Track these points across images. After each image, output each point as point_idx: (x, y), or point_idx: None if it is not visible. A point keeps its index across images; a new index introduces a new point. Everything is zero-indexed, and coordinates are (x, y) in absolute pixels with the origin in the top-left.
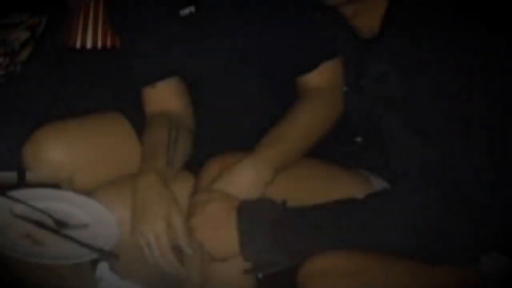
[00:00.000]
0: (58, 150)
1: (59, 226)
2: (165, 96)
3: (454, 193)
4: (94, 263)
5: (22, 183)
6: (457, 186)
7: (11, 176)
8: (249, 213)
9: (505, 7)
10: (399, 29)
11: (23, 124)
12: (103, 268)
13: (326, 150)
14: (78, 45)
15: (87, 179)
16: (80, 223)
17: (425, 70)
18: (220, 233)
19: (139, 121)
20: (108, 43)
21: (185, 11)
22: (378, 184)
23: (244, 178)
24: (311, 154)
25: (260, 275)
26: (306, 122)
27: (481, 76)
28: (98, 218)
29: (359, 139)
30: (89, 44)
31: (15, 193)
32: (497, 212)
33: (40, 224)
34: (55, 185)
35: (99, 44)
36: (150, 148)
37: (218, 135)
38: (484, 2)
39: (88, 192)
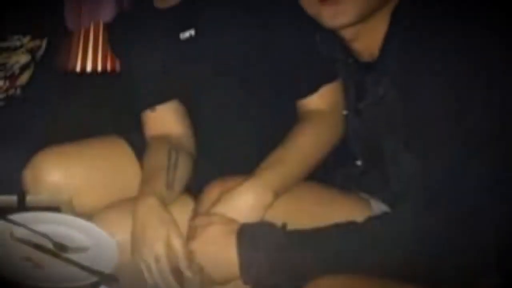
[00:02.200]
0: (58, 173)
1: (59, 249)
2: (165, 119)
3: (456, 214)
4: (94, 286)
5: (22, 206)
6: (459, 207)
7: (11, 199)
8: (249, 236)
9: (505, 26)
10: (399, 52)
11: (23, 147)
12: None
13: (326, 173)
14: (78, 68)
15: (87, 203)
16: (80, 246)
17: (425, 91)
18: (220, 257)
19: (139, 144)
20: (108, 67)
21: (185, 35)
22: (378, 207)
23: (244, 201)
24: (311, 177)
25: None
26: (306, 146)
27: (481, 96)
28: (98, 241)
29: (359, 162)
30: (89, 68)
31: (16, 217)
32: (498, 233)
33: (41, 248)
34: (55, 209)
35: (99, 68)
36: (150, 171)
37: (218, 158)
38: (484, 22)
39: (88, 215)
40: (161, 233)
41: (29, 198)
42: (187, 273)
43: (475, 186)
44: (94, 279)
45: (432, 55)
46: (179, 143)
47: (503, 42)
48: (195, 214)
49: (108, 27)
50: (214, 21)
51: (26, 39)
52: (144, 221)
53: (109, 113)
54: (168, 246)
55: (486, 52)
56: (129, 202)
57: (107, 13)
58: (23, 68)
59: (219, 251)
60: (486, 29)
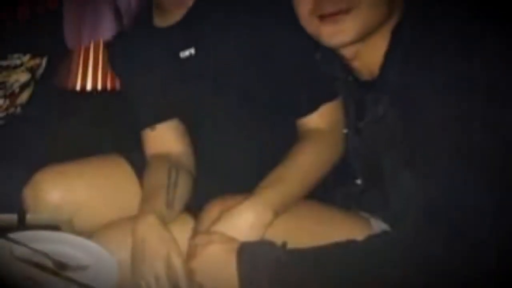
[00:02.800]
0: (58, 192)
1: (59, 268)
2: (165, 138)
3: (456, 232)
4: None
5: (22, 225)
6: (459, 225)
7: (11, 218)
8: (249, 255)
9: (506, 45)
10: (399, 70)
11: (24, 166)
12: None
13: (326, 192)
14: (78, 87)
15: (87, 221)
16: (80, 265)
17: (425, 110)
18: (220, 275)
19: (139, 163)
20: (108, 85)
21: (185, 53)
22: (378, 226)
23: (244, 220)
24: (311, 196)
25: None
26: (306, 164)
27: (482, 114)
28: (98, 259)
29: (359, 181)
30: (89, 86)
31: (16, 235)
32: (498, 250)
33: (41, 266)
34: (56, 227)
35: (99, 86)
36: (150, 189)
37: (218, 176)
38: (484, 42)
39: (88, 234)
40: (161, 252)
41: (29, 217)
42: None
43: (476, 205)
44: None
45: (432, 74)
46: (179, 161)
47: (504, 61)
48: (195, 232)
49: (108, 46)
50: (214, 39)
51: (26, 58)
52: (144, 239)
53: (109, 131)
54: (168, 265)
55: (487, 71)
56: (129, 221)
57: (107, 32)
58: (23, 87)
59: (219, 269)
60: (487, 48)
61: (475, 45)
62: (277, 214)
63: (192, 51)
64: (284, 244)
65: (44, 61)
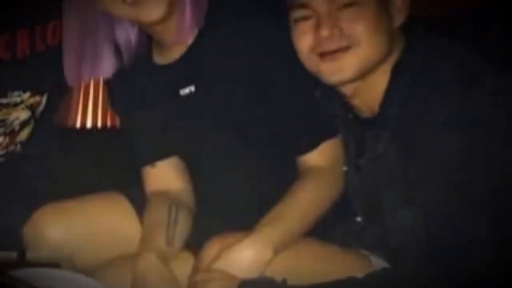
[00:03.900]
0: (58, 230)
1: None
2: (165, 176)
3: (456, 269)
4: None
5: (22, 262)
6: (458, 261)
7: (11, 255)
8: None
9: (506, 82)
10: (399, 108)
11: (24, 203)
12: None
13: (326, 230)
14: (78, 124)
15: (87, 259)
16: None
17: (425, 147)
18: None
19: (139, 200)
20: (108, 123)
21: (185, 91)
22: (378, 263)
23: (244, 257)
24: (311, 233)
25: None
26: (306, 202)
27: (481, 152)
28: None
29: (359, 219)
30: (89, 124)
31: (16, 273)
32: (498, 286)
33: None
34: (56, 265)
35: (99, 124)
36: (150, 227)
37: (218, 213)
38: (484, 80)
39: (89, 272)
40: None
41: (29, 254)
42: None
43: (475, 242)
44: None
45: (432, 112)
46: (179, 199)
47: (503, 99)
48: (195, 270)
49: (108, 83)
50: (214, 77)
51: (26, 95)
52: (145, 277)
53: (109, 169)
54: None
55: (486, 109)
56: (130, 259)
57: (107, 70)
58: (23, 125)
59: None
60: (486, 86)
61: (475, 83)
62: (277, 251)
63: (192, 88)
64: (284, 282)
65: (44, 99)
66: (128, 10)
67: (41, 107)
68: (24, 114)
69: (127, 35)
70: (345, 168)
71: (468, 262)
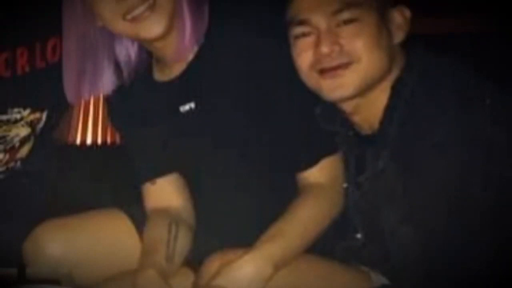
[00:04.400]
0: (58, 246)
1: None
2: (165, 192)
3: (455, 286)
4: None
5: (22, 279)
6: (458, 281)
7: (11, 272)
8: None
9: (505, 100)
10: (399, 125)
11: (23, 220)
12: None
13: (326, 246)
14: (78, 141)
15: (87, 275)
16: None
17: (425, 165)
18: None
19: (139, 217)
20: (108, 139)
21: (185, 107)
22: (378, 280)
23: (244, 274)
24: (311, 250)
25: None
26: (306, 219)
27: (481, 170)
28: None
29: (359, 235)
30: (89, 140)
31: None
32: None
33: None
34: (56, 281)
35: (99, 140)
36: (150, 244)
37: (218, 230)
38: (484, 97)
39: None
40: None
41: (29, 271)
42: None
43: (475, 261)
44: None
45: (432, 129)
46: (179, 216)
47: (502, 116)
48: (195, 286)
49: (108, 100)
50: (214, 94)
51: (26, 112)
52: None
53: (109, 185)
54: None
55: (487, 127)
56: (129, 275)
57: (107, 86)
58: (23, 141)
59: None
60: (487, 104)
61: (474, 100)
62: (277, 268)
63: (192, 105)
64: None
65: (44, 115)
66: (128, 26)
67: (41, 124)
68: (24, 131)
69: (127, 52)
70: (345, 185)
71: (467, 280)
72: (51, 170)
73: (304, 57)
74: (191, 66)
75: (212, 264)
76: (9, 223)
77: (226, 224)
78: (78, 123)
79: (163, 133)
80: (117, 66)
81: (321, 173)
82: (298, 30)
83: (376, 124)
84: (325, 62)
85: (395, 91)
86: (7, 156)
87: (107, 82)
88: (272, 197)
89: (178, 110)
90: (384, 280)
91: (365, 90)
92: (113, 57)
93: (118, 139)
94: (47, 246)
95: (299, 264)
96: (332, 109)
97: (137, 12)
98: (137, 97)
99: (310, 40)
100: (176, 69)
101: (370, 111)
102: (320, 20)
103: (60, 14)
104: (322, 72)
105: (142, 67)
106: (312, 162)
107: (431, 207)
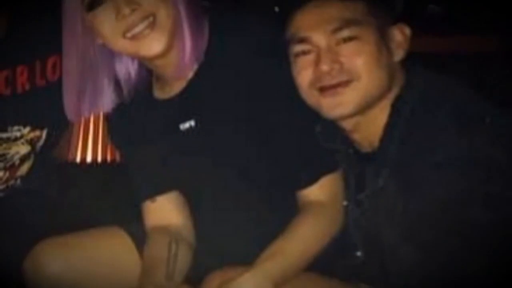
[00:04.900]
0: (57, 264)
1: None
2: (165, 210)
3: None
4: None
5: None
6: None
7: None
8: None
9: (506, 120)
10: (399, 143)
11: (23, 238)
12: None
13: (326, 264)
14: (78, 159)
15: None
16: None
17: (425, 183)
18: None
19: (139, 235)
20: (108, 157)
21: (185, 125)
22: None
23: None
24: (311, 268)
25: None
26: (306, 237)
27: (481, 190)
28: None
29: (359, 253)
30: (89, 158)
31: None
32: None
33: None
34: None
35: (99, 158)
36: (150, 262)
37: (218, 248)
38: (483, 114)
39: None
40: None
41: None
42: None
43: (475, 280)
44: None
45: (431, 148)
46: (178, 234)
47: (502, 136)
48: None
49: (108, 118)
50: (214, 111)
51: (26, 130)
52: None
53: (109, 203)
54: None
55: (486, 146)
56: None
57: (107, 104)
58: (23, 159)
59: None
60: (487, 123)
61: (474, 120)
62: (277, 286)
63: (192, 123)
64: None
65: (44, 133)
66: (128, 44)
67: (41, 142)
68: (24, 149)
69: (127, 70)
70: (345, 203)
71: None
72: (51, 188)
73: (304, 75)
74: (191, 84)
75: (212, 282)
76: (9, 241)
77: (226, 242)
78: (78, 141)
79: (163, 151)
80: (117, 84)
81: (321, 191)
82: (298, 48)
83: (376, 142)
84: (325, 80)
85: (395, 109)
86: (7, 174)
87: (107, 100)
88: (272, 215)
89: (178, 128)
90: None
91: (365, 108)
92: (113, 75)
93: (118, 157)
94: (47, 264)
95: (299, 282)
96: (332, 127)
97: (137, 30)
98: (137, 115)
99: (310, 58)
100: (176, 87)
101: (370, 129)
102: (320, 38)
103: (60, 32)
104: (322, 90)
105: (142, 85)
106: (312, 180)
107: (431, 226)
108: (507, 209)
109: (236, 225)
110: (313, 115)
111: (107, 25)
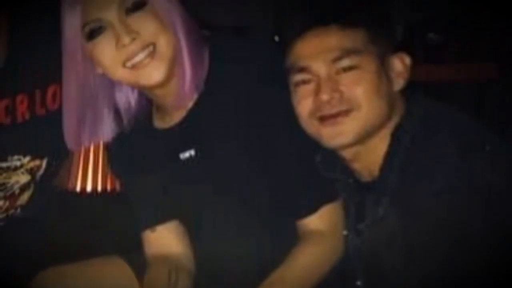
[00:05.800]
0: None
1: None
2: (165, 240)
3: None
4: None
5: None
6: None
7: None
8: None
9: (505, 147)
10: (399, 172)
11: (23, 268)
12: None
13: None
14: (78, 188)
15: None
16: None
17: (425, 212)
18: None
19: (139, 264)
20: (108, 186)
21: (185, 155)
22: None
23: None
24: None
25: None
26: (306, 266)
27: (481, 217)
28: None
29: (359, 282)
30: (89, 187)
31: None
32: None
33: None
34: None
35: (99, 187)
36: None
37: (218, 276)
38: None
39: None
40: None
41: None
42: None
43: None
44: None
45: (432, 177)
46: (178, 262)
47: (502, 164)
48: None
49: (108, 147)
50: (214, 141)
51: (26, 159)
52: None
53: (109, 233)
54: None
55: (486, 174)
56: None
57: (107, 133)
58: (23, 188)
59: None
60: (487, 151)
61: (474, 148)
62: None
63: (192, 152)
64: None
65: (44, 163)
66: (128, 74)
67: (41, 171)
68: (24, 178)
69: (127, 99)
70: (345, 232)
71: None
72: (51, 217)
73: (304, 104)
74: (191, 113)
75: None
76: (9, 271)
77: (227, 270)
78: (78, 170)
79: (163, 180)
80: (117, 113)
81: (321, 220)
82: (298, 77)
83: (376, 171)
84: (325, 110)
85: (395, 138)
86: (7, 203)
87: (107, 129)
88: (272, 244)
89: (178, 157)
90: None
91: (365, 137)
92: (113, 104)
93: (118, 186)
94: None
95: None
96: (332, 156)
97: (137, 59)
98: (137, 144)
99: (310, 87)
100: (176, 116)
101: (370, 158)
102: (320, 67)
103: (60, 61)
104: (322, 119)
105: (142, 114)
106: (312, 209)
107: (432, 254)
108: (507, 237)
109: (236, 254)
110: (313, 144)
111: (107, 54)
